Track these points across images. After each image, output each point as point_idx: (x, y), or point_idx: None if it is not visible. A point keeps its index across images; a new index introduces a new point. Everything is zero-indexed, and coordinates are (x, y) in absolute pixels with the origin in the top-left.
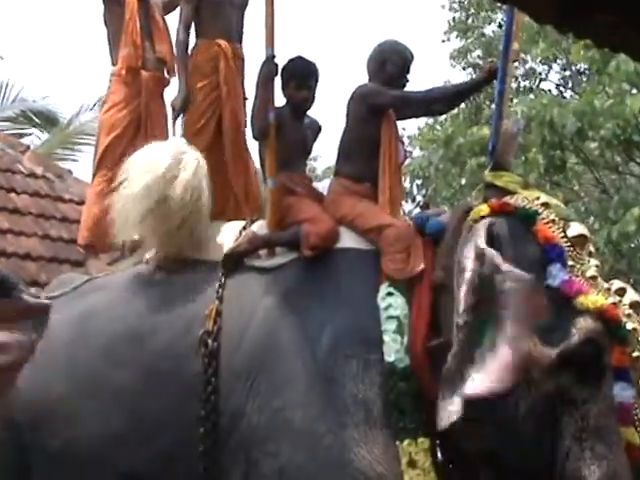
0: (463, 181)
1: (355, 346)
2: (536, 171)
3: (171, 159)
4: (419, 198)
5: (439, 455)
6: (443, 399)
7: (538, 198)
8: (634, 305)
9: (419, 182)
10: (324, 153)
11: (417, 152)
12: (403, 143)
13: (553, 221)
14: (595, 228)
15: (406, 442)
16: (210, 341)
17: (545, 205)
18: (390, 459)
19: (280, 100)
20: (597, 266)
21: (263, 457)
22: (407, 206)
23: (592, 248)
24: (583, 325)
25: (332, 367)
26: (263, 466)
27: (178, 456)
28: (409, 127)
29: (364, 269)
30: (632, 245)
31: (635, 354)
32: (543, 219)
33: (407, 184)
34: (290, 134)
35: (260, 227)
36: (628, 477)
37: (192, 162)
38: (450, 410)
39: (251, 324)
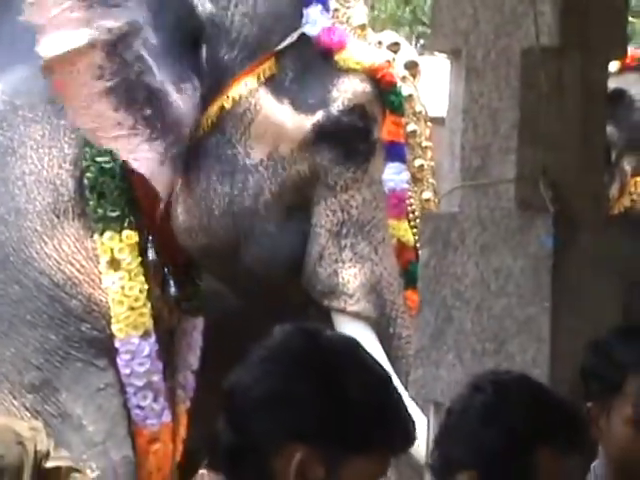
0: None
1: (38, 107)
2: None
3: None
4: None
5: (150, 254)
6: None
7: None
8: (410, 65)
9: None
10: None
11: None
12: None
13: None
14: None
15: (107, 236)
16: None
17: None
18: (84, 257)
19: None
20: (367, 14)
21: None
22: None
23: None
24: (347, 87)
25: (7, 134)
26: None
27: None
28: None
29: None
30: None
31: (410, 128)
32: None
33: None
34: None
35: None
36: (397, 284)
37: None
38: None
39: None
